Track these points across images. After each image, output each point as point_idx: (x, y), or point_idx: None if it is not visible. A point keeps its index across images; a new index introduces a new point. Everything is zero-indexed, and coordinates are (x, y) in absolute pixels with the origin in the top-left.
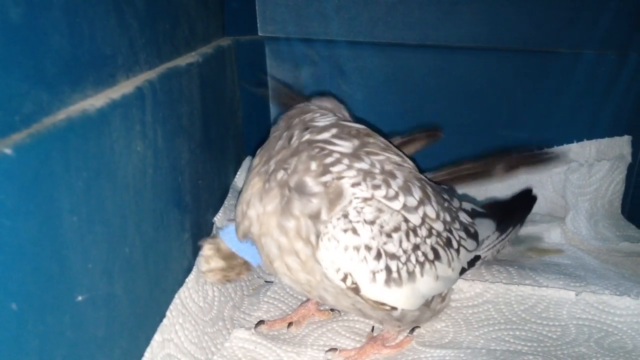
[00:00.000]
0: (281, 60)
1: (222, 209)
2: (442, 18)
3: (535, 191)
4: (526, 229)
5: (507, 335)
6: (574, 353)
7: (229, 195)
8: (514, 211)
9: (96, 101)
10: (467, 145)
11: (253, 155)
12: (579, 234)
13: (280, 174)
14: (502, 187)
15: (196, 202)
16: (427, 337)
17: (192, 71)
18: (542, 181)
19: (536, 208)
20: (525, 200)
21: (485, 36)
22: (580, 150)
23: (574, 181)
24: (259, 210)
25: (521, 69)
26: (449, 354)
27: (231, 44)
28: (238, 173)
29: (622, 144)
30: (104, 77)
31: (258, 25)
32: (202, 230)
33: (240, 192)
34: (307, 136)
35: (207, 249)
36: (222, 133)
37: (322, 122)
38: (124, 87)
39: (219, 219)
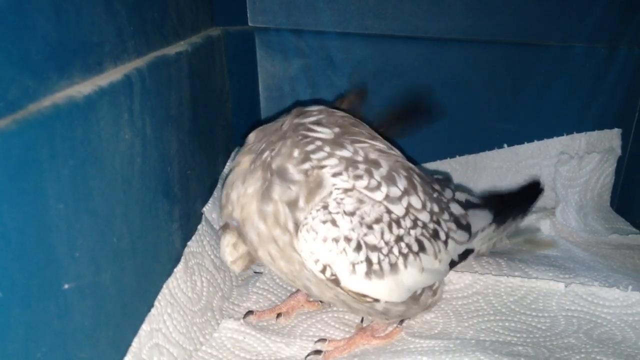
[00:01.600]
0: (271, 51)
1: (211, 199)
2: (433, 10)
3: (524, 183)
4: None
5: (496, 326)
6: (563, 344)
7: (218, 185)
8: (514, 202)
9: (83, 88)
10: (458, 137)
11: (242, 145)
12: (568, 226)
13: (265, 154)
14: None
15: (185, 192)
16: (417, 328)
17: (181, 60)
18: (532, 173)
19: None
20: (529, 192)
21: (475, 28)
22: (570, 143)
23: (564, 173)
24: (240, 192)
25: (511, 62)
26: (439, 345)
27: (221, 34)
28: (227, 164)
29: (611, 137)
30: (91, 64)
31: (248, 15)
32: (191, 220)
33: (227, 173)
34: (295, 120)
35: (229, 237)
36: (211, 123)
37: (313, 109)
38: (112, 75)
39: (207, 209)
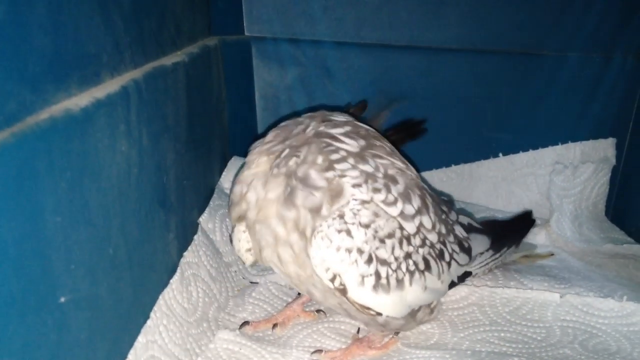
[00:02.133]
0: (267, 60)
1: (207, 209)
2: (429, 19)
3: (519, 192)
4: None
5: (492, 336)
6: (559, 355)
7: (215, 195)
8: (510, 231)
9: (80, 100)
10: (453, 146)
11: (239, 155)
12: (563, 236)
13: (292, 161)
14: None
15: (181, 203)
16: (413, 338)
17: (178, 70)
18: (527, 182)
19: (521, 209)
20: (523, 222)
21: (471, 38)
22: (565, 152)
23: (559, 183)
24: (260, 195)
25: (507, 71)
26: (435, 355)
27: (217, 44)
28: (224, 173)
29: (606, 146)
30: (89, 76)
31: (245, 24)
32: (187, 231)
33: (240, 168)
34: (321, 127)
35: (241, 227)
36: (208, 133)
37: (339, 118)
38: (109, 86)
39: (204, 219)
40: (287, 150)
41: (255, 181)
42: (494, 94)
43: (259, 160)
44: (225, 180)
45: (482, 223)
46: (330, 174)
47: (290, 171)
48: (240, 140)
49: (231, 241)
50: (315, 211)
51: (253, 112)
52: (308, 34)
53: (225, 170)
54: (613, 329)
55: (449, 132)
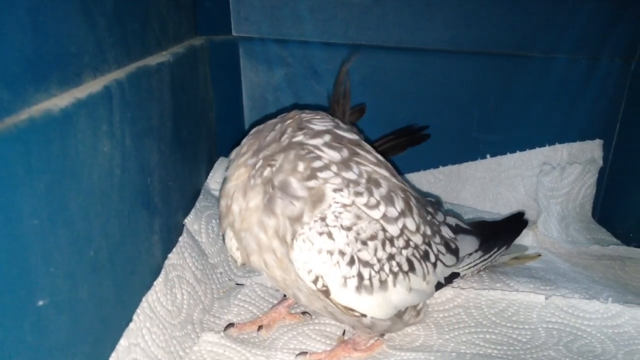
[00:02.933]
0: (255, 60)
1: (193, 210)
2: (417, 21)
3: (507, 194)
4: None
5: (477, 338)
6: (543, 357)
7: (201, 196)
8: (500, 232)
9: (60, 101)
10: (441, 147)
11: (226, 156)
12: (550, 237)
13: (267, 171)
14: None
15: (166, 204)
16: (398, 340)
17: (162, 71)
18: (515, 184)
19: (509, 211)
20: (514, 223)
21: (459, 40)
22: (552, 154)
23: (546, 184)
24: (242, 205)
25: (495, 73)
26: (420, 357)
27: (204, 44)
28: (210, 174)
29: (593, 148)
30: (70, 76)
31: (232, 25)
32: (172, 232)
33: (223, 181)
34: (299, 137)
35: (231, 232)
36: (194, 134)
37: (317, 126)
38: (91, 87)
39: (189, 220)
40: (260, 162)
41: (236, 193)
42: (482, 96)
43: (238, 172)
44: (212, 181)
45: (471, 224)
46: (312, 183)
47: (266, 180)
48: (228, 141)
49: (224, 240)
50: (296, 219)
51: (240, 113)
52: (296, 35)
53: (212, 171)
54: (598, 330)
55: (436, 133)
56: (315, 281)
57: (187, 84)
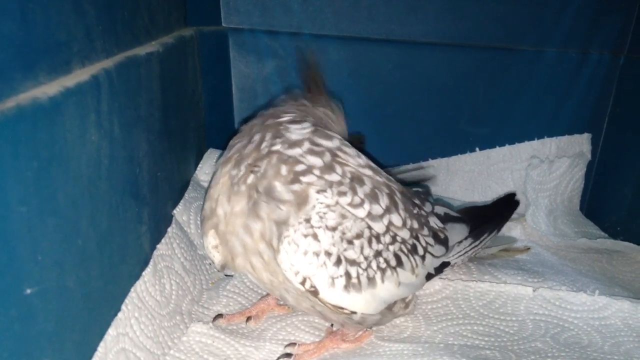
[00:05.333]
0: (245, 51)
1: (182, 201)
2: (407, 13)
3: (496, 187)
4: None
5: (465, 330)
6: (531, 348)
7: (190, 188)
8: (491, 216)
9: (48, 89)
10: (430, 140)
11: (215, 147)
12: (538, 230)
13: (250, 179)
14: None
15: (155, 194)
16: (386, 331)
17: (151, 61)
18: (503, 177)
19: None
20: (505, 205)
21: (449, 32)
22: (541, 147)
23: (535, 177)
24: (227, 210)
25: (484, 66)
26: (408, 348)
27: (194, 34)
28: (199, 165)
29: (582, 142)
30: (58, 65)
31: (222, 15)
32: (161, 223)
33: (208, 186)
34: (277, 147)
35: (210, 233)
36: (183, 125)
37: (294, 135)
38: (79, 75)
39: (178, 211)
40: (243, 171)
41: (221, 196)
42: (471, 89)
43: (222, 180)
44: (201, 172)
45: (461, 210)
46: (296, 187)
47: (250, 186)
48: (217, 132)
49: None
50: (282, 223)
51: (230, 104)
52: (286, 26)
53: (201, 162)
54: (585, 322)
55: (426, 126)
56: (303, 282)
57: (176, 75)
